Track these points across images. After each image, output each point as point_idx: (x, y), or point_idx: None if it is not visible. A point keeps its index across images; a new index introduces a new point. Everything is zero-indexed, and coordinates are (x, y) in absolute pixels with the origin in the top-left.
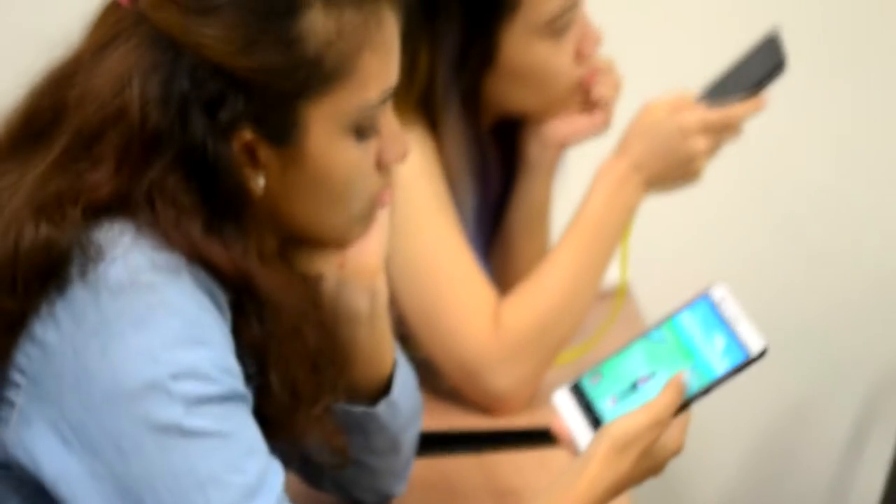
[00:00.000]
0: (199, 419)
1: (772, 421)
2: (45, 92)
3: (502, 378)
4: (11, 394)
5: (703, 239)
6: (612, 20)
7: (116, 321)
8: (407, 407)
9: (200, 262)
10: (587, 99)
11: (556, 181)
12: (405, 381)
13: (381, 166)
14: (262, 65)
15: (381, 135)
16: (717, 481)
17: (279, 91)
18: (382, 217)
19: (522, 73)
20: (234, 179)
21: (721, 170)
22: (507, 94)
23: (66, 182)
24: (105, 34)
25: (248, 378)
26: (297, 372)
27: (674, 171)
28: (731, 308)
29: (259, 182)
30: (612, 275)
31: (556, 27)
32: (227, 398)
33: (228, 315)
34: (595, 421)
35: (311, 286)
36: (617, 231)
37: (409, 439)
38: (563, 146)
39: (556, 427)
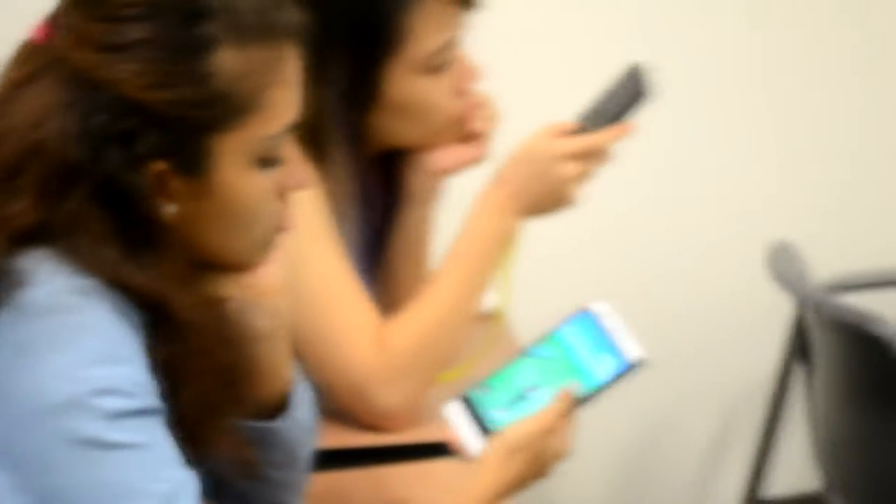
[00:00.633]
0: (119, 433)
1: (636, 435)
2: None
3: (387, 396)
4: None
5: (574, 266)
6: (493, 57)
7: (38, 342)
8: (304, 422)
9: (117, 285)
10: (465, 131)
11: (436, 209)
12: (303, 398)
13: (283, 194)
14: (174, 99)
15: (283, 164)
16: (588, 494)
17: (191, 124)
18: (283, 242)
19: (404, 107)
20: (148, 208)
21: (592, 196)
22: (390, 127)
23: None
24: (23, 72)
25: (162, 394)
26: (208, 387)
27: (547, 196)
28: (611, 321)
29: (171, 210)
30: (488, 299)
31: (435, 64)
32: (144, 412)
33: (143, 335)
34: (484, 430)
35: (219, 307)
36: (494, 255)
37: (306, 453)
38: (442, 175)
39: (448, 437)
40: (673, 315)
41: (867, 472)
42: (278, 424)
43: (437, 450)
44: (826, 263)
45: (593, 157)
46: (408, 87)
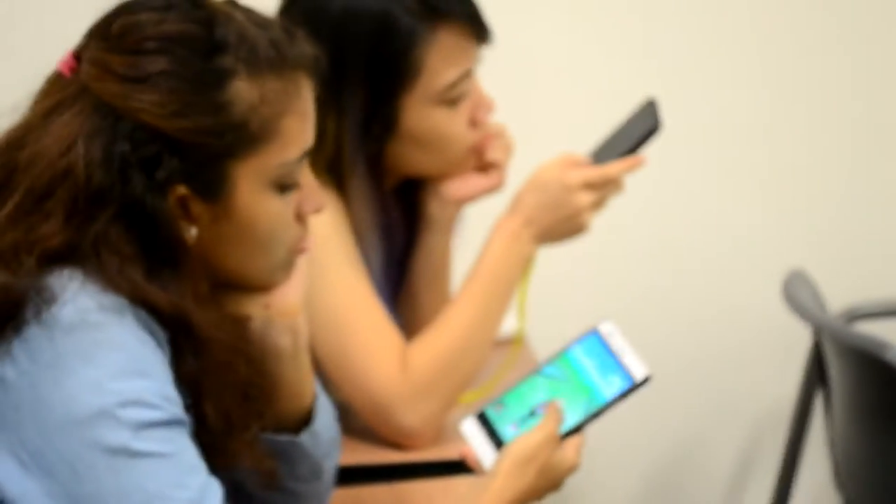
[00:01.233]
0: (146, 442)
1: (659, 455)
2: None
3: (410, 415)
4: None
5: (597, 295)
6: (506, 90)
7: (68, 357)
8: (327, 436)
9: (142, 303)
10: (482, 161)
11: (455, 236)
12: (324, 413)
13: (301, 218)
14: (194, 128)
15: (300, 189)
16: None
17: (209, 151)
18: (302, 263)
19: (421, 139)
20: (170, 231)
21: (607, 223)
22: (408, 157)
23: (20, 234)
24: (51, 102)
25: (186, 407)
26: (229, 401)
27: (562, 224)
28: (618, 341)
29: (192, 232)
30: (509, 324)
31: (452, 97)
32: (170, 423)
33: (167, 350)
34: (499, 444)
35: (240, 325)
36: (512, 281)
37: (330, 466)
38: (460, 204)
39: (464, 451)
40: (697, 341)
41: (883, 493)
42: (302, 438)
43: (457, 467)
44: (840, 291)
45: (607, 187)
46: (424, 118)
